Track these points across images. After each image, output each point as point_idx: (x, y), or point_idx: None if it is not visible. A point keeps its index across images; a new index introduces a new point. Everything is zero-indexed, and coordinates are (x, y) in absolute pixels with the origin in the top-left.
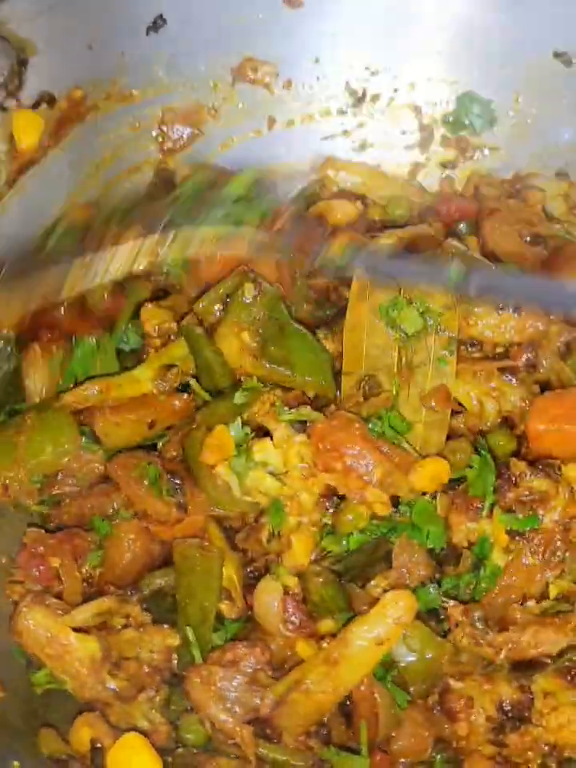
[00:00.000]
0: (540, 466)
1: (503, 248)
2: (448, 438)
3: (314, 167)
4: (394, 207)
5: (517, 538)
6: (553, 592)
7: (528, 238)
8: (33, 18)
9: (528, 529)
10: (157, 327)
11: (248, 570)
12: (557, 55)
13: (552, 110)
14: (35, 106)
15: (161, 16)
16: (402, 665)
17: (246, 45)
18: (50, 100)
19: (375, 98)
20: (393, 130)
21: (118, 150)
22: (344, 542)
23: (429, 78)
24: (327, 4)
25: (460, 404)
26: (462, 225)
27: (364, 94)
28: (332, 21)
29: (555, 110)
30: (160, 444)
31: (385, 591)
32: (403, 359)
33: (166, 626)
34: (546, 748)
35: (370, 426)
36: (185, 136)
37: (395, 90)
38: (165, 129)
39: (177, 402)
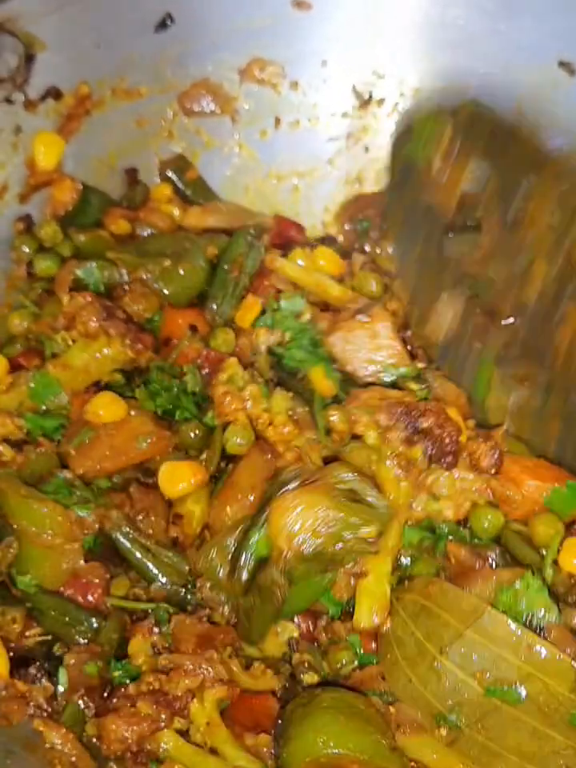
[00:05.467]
0: None
1: None
2: None
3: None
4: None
5: None
6: None
7: None
8: (42, 15)
9: None
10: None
11: None
12: (562, 65)
13: (552, 121)
14: (42, 99)
15: (169, 15)
16: None
17: (253, 45)
18: (57, 94)
19: (380, 101)
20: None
21: (123, 147)
22: None
23: (434, 85)
24: (335, 7)
25: None
26: None
27: (370, 98)
28: (339, 24)
29: (553, 120)
30: None
31: None
32: None
33: None
34: None
35: None
36: (207, 110)
37: (401, 95)
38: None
39: None
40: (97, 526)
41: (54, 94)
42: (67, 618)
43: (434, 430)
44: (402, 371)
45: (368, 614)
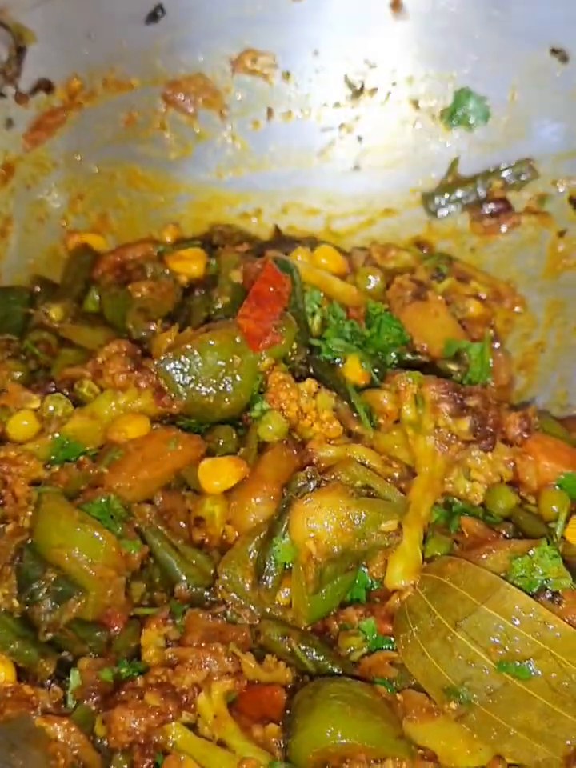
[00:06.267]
0: None
1: None
2: None
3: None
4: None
5: None
6: None
7: None
8: (32, 7)
9: None
10: None
11: None
12: (554, 52)
13: (545, 108)
14: (33, 92)
15: (160, 6)
16: None
17: (245, 35)
18: (48, 87)
19: (373, 91)
20: (390, 123)
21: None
22: None
23: (427, 73)
24: None
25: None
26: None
27: (362, 87)
28: (332, 13)
29: (548, 108)
30: None
31: None
32: None
33: None
34: None
35: None
36: (191, 108)
37: (393, 84)
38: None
39: None
40: (139, 563)
41: (46, 87)
42: (81, 637)
43: (480, 410)
44: (461, 344)
45: (400, 575)
